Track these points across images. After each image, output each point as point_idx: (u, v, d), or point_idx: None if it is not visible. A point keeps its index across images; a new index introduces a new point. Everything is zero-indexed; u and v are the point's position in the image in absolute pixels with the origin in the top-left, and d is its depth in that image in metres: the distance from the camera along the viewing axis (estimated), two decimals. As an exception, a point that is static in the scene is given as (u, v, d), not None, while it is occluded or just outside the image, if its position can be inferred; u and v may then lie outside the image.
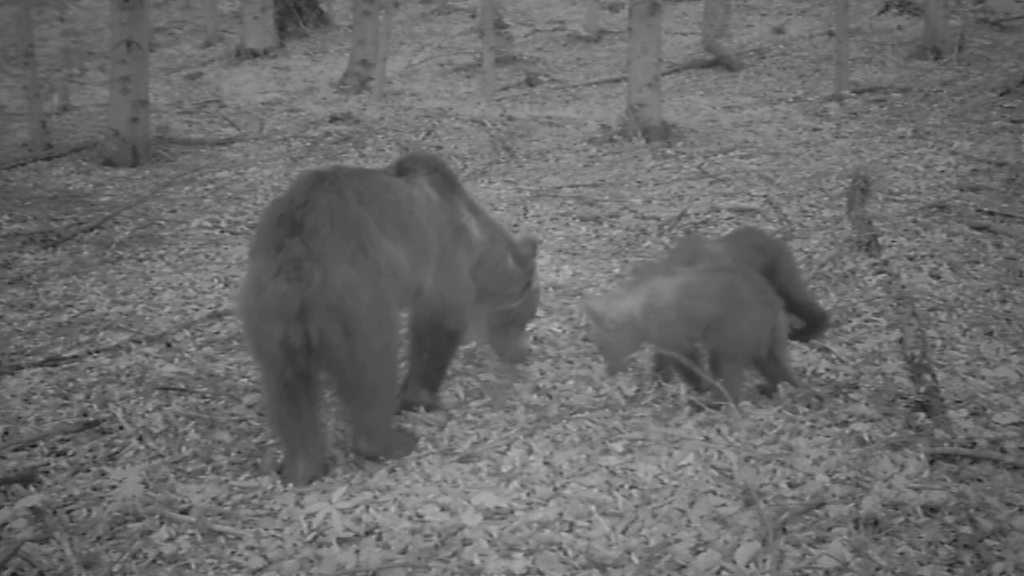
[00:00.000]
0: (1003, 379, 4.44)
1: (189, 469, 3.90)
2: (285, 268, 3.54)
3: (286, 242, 3.58)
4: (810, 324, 4.93)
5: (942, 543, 3.13)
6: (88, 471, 3.86)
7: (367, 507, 3.47)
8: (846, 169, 8.22)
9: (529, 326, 4.96)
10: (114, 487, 3.68)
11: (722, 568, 3.06)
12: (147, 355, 5.02)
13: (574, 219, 7.42)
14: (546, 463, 3.77)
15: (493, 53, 12.66)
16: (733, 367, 4.14)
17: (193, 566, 3.21)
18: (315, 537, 3.32)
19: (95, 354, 5.02)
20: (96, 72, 15.01)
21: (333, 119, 11.17)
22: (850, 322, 5.14)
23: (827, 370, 4.59)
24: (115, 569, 3.20)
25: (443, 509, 3.44)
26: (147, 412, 4.35)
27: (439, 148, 9.97)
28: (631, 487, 3.57)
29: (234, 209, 8.04)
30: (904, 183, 7.75)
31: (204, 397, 4.53)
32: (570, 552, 3.18)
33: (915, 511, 3.27)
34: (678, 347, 4.18)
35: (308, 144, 10.39)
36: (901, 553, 3.09)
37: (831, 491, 3.45)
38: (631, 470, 3.68)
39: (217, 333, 5.33)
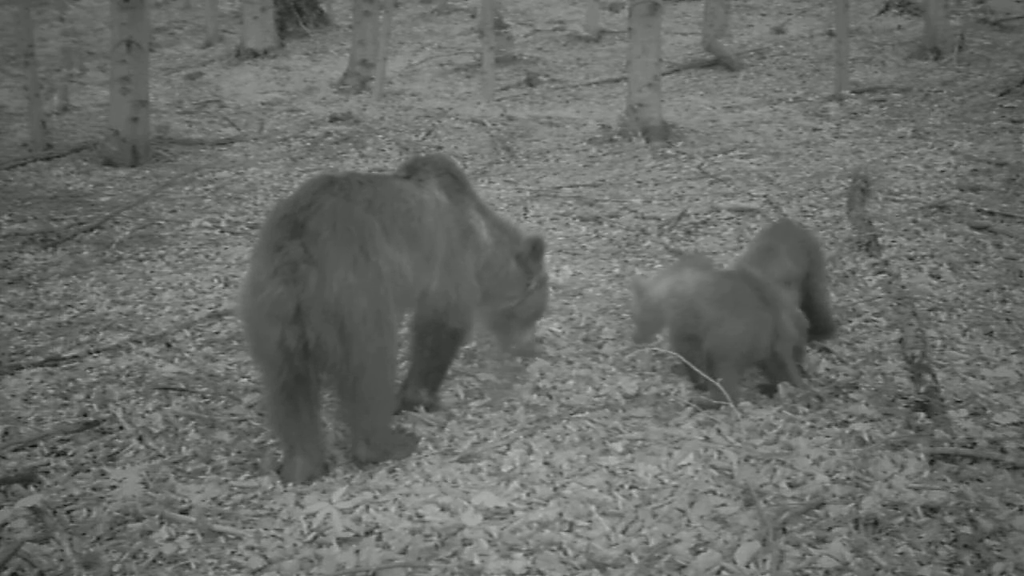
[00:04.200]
0: (1003, 379, 4.44)
1: (189, 469, 3.90)
2: (282, 270, 3.53)
3: (286, 244, 3.57)
4: (816, 329, 4.86)
5: (942, 543, 3.13)
6: (88, 471, 3.86)
7: (367, 507, 3.47)
8: (846, 169, 8.22)
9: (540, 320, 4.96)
10: (114, 487, 3.68)
11: (722, 568, 3.06)
12: (147, 355, 5.02)
13: (574, 219, 7.42)
14: (546, 463, 3.78)
15: (493, 53, 12.66)
16: (725, 367, 4.16)
17: (193, 566, 3.21)
18: (315, 537, 3.32)
19: (95, 354, 5.02)
20: (96, 72, 15.01)
21: (333, 119, 11.18)
22: (850, 322, 5.14)
23: (827, 370, 4.59)
24: (115, 569, 3.20)
25: (443, 509, 3.44)
26: (147, 412, 4.35)
27: (439, 148, 9.98)
28: (631, 487, 3.57)
29: (234, 209, 8.04)
30: (904, 183, 7.75)
31: (204, 397, 4.53)
32: (570, 552, 3.18)
33: (915, 511, 3.27)
34: (683, 338, 4.34)
35: (308, 144, 10.39)
36: (901, 553, 3.09)
37: (831, 491, 3.45)
38: (631, 470, 3.68)
39: (217, 333, 5.33)
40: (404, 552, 3.19)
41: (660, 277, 4.64)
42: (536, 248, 4.58)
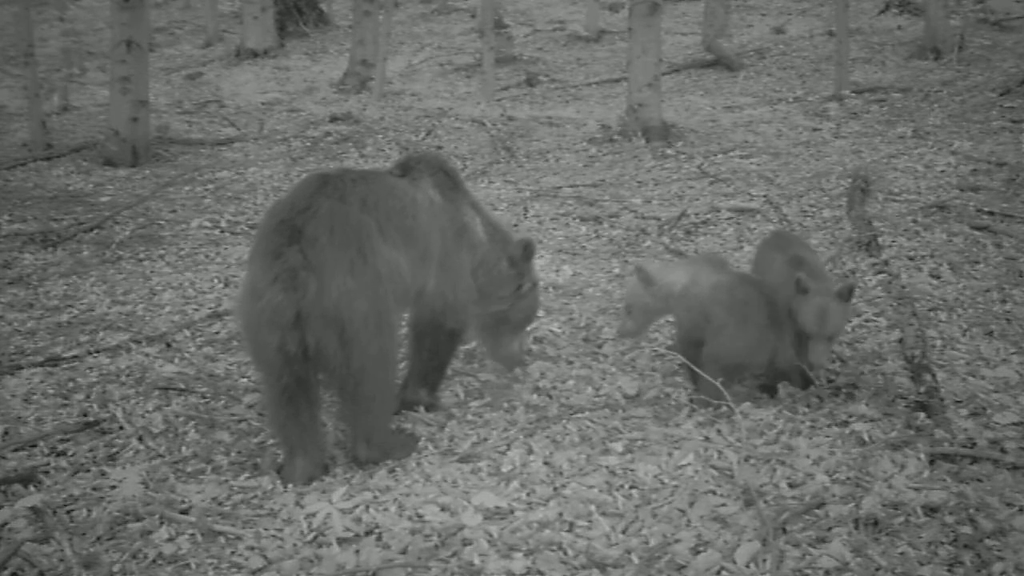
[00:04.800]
0: (1003, 379, 4.44)
1: (189, 469, 3.90)
2: (281, 277, 3.53)
3: (284, 250, 3.57)
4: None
5: (942, 543, 3.14)
6: (88, 471, 3.87)
7: (367, 507, 3.47)
8: (846, 169, 8.22)
9: (529, 327, 4.93)
10: (114, 487, 3.68)
11: (722, 568, 3.06)
12: (147, 355, 5.02)
13: (574, 219, 7.41)
14: (546, 463, 3.78)
15: (493, 53, 12.66)
16: (712, 371, 4.12)
17: (193, 566, 3.22)
18: (315, 537, 3.32)
19: (95, 354, 5.02)
20: (96, 72, 15.02)
21: (333, 119, 11.18)
22: (850, 322, 5.14)
23: (827, 370, 4.59)
24: (115, 569, 3.21)
25: (443, 509, 3.44)
26: (147, 412, 4.36)
27: (439, 148, 9.98)
28: (631, 487, 3.58)
29: (234, 209, 8.04)
30: (904, 183, 7.75)
31: (204, 397, 4.53)
32: (570, 552, 3.18)
33: (915, 511, 3.28)
34: (691, 342, 4.27)
35: (308, 144, 10.39)
36: (901, 553, 3.09)
37: (831, 491, 3.45)
38: (631, 470, 3.68)
39: (217, 333, 5.33)
40: (404, 552, 3.19)
41: (669, 270, 4.49)
42: (527, 250, 4.51)
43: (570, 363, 4.79)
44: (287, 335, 3.53)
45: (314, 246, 3.57)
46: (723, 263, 4.50)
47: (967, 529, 3.16)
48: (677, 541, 3.21)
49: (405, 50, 16.23)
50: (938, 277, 5.74)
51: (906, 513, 3.27)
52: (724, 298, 4.22)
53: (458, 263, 4.25)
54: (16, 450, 4.03)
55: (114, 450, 4.05)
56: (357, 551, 3.21)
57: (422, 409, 4.30)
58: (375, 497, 3.55)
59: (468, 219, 4.34)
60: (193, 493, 3.66)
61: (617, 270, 6.22)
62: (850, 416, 4.05)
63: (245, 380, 4.69)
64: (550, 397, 4.44)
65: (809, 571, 3.03)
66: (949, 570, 3.02)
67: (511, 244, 4.51)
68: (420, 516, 3.41)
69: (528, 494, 3.55)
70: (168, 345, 5.16)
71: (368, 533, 3.33)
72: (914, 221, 6.70)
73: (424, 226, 4.03)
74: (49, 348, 5.18)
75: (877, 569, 3.02)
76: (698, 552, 3.14)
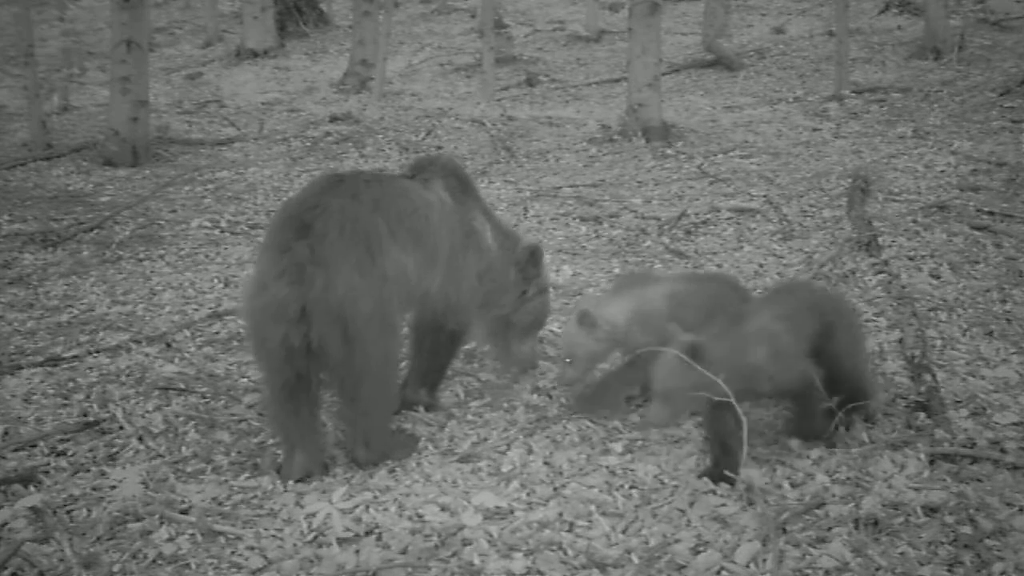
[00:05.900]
0: (1003, 379, 4.44)
1: (189, 469, 3.90)
2: (288, 271, 3.54)
3: (292, 244, 3.58)
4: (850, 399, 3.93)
5: (942, 543, 3.14)
6: (88, 471, 3.87)
7: (367, 507, 3.47)
8: (846, 169, 8.22)
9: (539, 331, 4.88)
10: (114, 487, 3.69)
11: (722, 568, 3.06)
12: (147, 355, 5.02)
13: (574, 219, 7.41)
14: (546, 463, 3.78)
15: (493, 53, 12.66)
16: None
17: (193, 566, 3.22)
18: (315, 537, 3.32)
19: (95, 354, 5.02)
20: (96, 72, 15.01)
21: (333, 119, 11.18)
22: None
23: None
24: (115, 569, 3.21)
25: (443, 509, 3.45)
26: (147, 412, 4.36)
27: (439, 148, 9.98)
28: (631, 487, 3.58)
29: (234, 209, 8.04)
30: (904, 183, 7.75)
31: (204, 397, 4.53)
32: (570, 552, 3.18)
33: (915, 511, 3.28)
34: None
35: (308, 144, 10.39)
36: (901, 553, 3.09)
37: (831, 491, 3.45)
38: (631, 470, 3.69)
39: (217, 333, 5.33)
40: (404, 552, 3.20)
41: (606, 306, 4.21)
42: (534, 256, 4.49)
43: (570, 363, 4.78)
44: (291, 329, 3.53)
45: (323, 242, 3.57)
46: (650, 274, 4.41)
47: (967, 529, 3.16)
48: (677, 541, 3.21)
49: (405, 50, 16.23)
50: (938, 277, 5.74)
51: (906, 513, 3.27)
52: (694, 301, 4.14)
53: (463, 265, 4.24)
54: (16, 450, 4.03)
55: (114, 450, 4.05)
56: (357, 551, 3.21)
57: (422, 409, 4.30)
58: (375, 497, 3.55)
59: (477, 223, 4.33)
60: (193, 493, 3.66)
61: (617, 270, 6.21)
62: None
63: (245, 380, 4.69)
64: (550, 397, 4.44)
65: (809, 571, 3.03)
66: (949, 570, 3.02)
67: (516, 252, 4.47)
68: (420, 516, 3.41)
69: (528, 494, 3.55)
70: (168, 345, 5.16)
71: (368, 533, 3.33)
72: (914, 221, 6.70)
73: (434, 228, 4.03)
74: (49, 348, 5.18)
75: (877, 569, 3.02)
76: (698, 552, 3.15)
